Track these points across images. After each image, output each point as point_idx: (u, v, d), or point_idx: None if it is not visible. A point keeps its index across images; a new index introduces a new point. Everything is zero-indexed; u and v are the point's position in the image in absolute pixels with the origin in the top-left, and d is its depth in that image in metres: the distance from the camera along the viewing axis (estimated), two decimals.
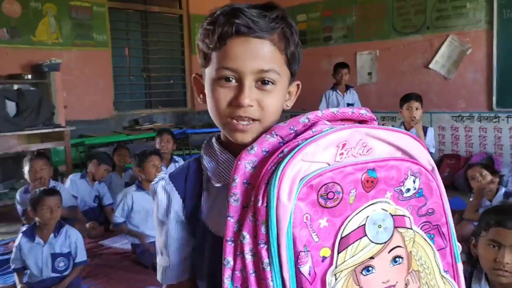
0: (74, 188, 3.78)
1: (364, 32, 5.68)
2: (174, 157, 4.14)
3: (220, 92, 0.77)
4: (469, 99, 4.95)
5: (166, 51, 6.56)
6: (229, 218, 0.65)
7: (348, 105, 4.68)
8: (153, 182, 0.87)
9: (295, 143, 0.64)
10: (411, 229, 0.68)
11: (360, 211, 0.63)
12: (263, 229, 0.60)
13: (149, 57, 6.34)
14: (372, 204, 0.65)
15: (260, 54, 0.75)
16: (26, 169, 3.38)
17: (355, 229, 0.63)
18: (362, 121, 0.73)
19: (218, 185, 0.80)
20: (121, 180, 4.20)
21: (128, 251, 3.26)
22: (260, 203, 0.61)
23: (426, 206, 0.69)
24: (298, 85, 0.87)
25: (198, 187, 0.84)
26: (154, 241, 0.91)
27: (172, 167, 3.93)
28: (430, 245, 0.70)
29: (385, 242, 0.65)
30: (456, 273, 0.72)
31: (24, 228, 2.80)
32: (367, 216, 0.64)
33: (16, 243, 2.65)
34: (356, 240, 0.63)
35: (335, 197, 0.62)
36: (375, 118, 0.74)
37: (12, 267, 2.66)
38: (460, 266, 0.73)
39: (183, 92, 6.67)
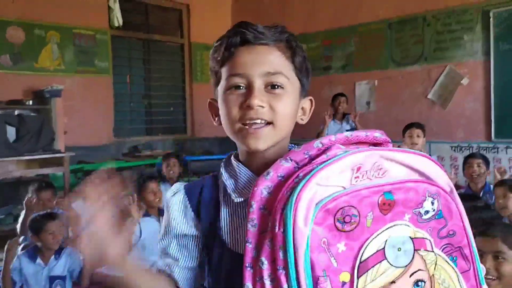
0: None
1: (363, 62, 5.76)
2: (181, 181, 4.11)
3: (230, 99, 0.78)
4: (467, 129, 4.98)
5: (167, 79, 6.62)
6: (247, 244, 0.65)
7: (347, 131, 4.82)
8: (169, 193, 0.87)
9: (310, 168, 0.64)
10: (433, 251, 0.67)
11: (378, 234, 0.63)
12: (281, 255, 0.60)
13: (150, 84, 6.40)
14: (390, 227, 0.64)
15: (267, 58, 0.78)
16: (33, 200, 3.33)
17: (374, 253, 0.62)
18: (376, 144, 0.73)
19: (238, 200, 0.80)
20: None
21: None
22: (277, 229, 0.61)
23: (447, 228, 0.69)
24: (311, 100, 0.88)
25: (214, 203, 0.84)
26: None
27: None
28: (453, 268, 0.68)
29: (406, 266, 0.64)
30: None
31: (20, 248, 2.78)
32: (386, 240, 0.63)
33: (15, 264, 2.61)
34: (376, 264, 0.62)
35: (352, 220, 0.61)
36: (390, 141, 0.74)
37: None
38: None
39: (183, 119, 6.70)
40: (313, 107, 0.88)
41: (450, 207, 0.69)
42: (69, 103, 5.05)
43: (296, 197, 0.60)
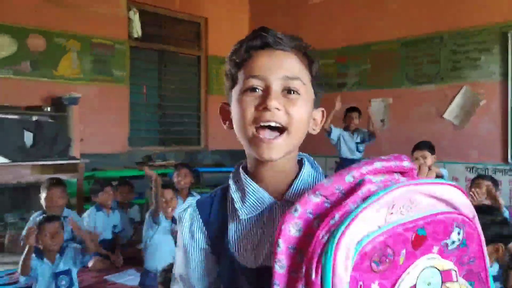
0: (92, 223, 3.82)
1: (377, 80, 5.75)
2: (192, 192, 4.11)
3: (246, 100, 0.77)
4: (483, 150, 4.92)
5: (183, 90, 6.69)
6: (275, 286, 0.62)
7: (357, 144, 4.82)
8: (180, 209, 0.87)
9: (347, 209, 0.61)
10: (457, 281, 0.66)
11: (410, 271, 0.61)
12: None
13: (166, 95, 6.46)
14: (421, 262, 0.62)
15: (286, 63, 0.78)
16: (43, 195, 3.41)
17: None
18: (402, 172, 0.71)
19: (245, 217, 0.79)
20: (126, 216, 4.20)
21: (134, 287, 3.20)
22: (313, 276, 0.58)
23: (468, 255, 0.68)
24: (323, 111, 0.87)
25: (222, 216, 0.83)
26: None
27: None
28: None
29: None
30: None
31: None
32: (418, 276, 0.62)
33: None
34: None
35: (387, 260, 0.59)
36: (415, 168, 0.72)
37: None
38: None
39: (197, 131, 6.74)
40: (324, 119, 0.87)
41: (473, 234, 0.68)
42: (86, 111, 5.12)
43: (336, 244, 0.57)
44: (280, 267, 0.62)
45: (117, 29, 5.67)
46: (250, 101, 0.76)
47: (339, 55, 6.08)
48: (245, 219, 0.80)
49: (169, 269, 2.06)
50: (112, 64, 5.65)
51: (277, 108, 0.75)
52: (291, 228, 0.63)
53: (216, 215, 0.83)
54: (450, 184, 0.68)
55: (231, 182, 0.84)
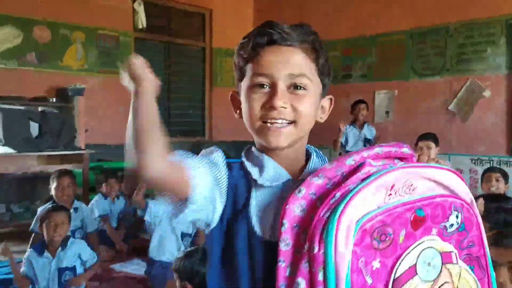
0: (101, 211, 3.89)
1: (383, 72, 5.73)
2: None
3: (254, 98, 0.79)
4: (488, 143, 4.91)
5: (187, 82, 6.69)
6: (280, 263, 0.64)
7: (366, 139, 4.75)
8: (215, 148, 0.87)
9: (346, 188, 0.64)
10: (457, 264, 0.68)
11: (411, 250, 0.64)
12: (320, 276, 0.60)
13: (170, 87, 6.47)
14: (421, 242, 0.65)
15: (292, 60, 0.79)
16: (53, 186, 3.44)
17: (406, 270, 0.63)
18: (402, 158, 0.74)
19: (266, 184, 0.79)
20: (129, 207, 4.24)
21: (140, 276, 3.23)
22: (316, 250, 0.61)
23: (467, 239, 0.70)
24: (331, 99, 0.88)
25: (244, 186, 0.82)
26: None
27: None
28: (474, 278, 0.70)
29: (434, 280, 0.65)
30: None
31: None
32: (418, 255, 0.64)
33: (25, 256, 2.70)
34: (408, 280, 0.63)
35: (387, 238, 0.62)
36: (414, 155, 0.75)
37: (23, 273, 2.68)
38: None
39: (201, 123, 6.75)
40: (332, 106, 0.88)
41: (471, 219, 0.71)
42: (91, 102, 5.14)
43: (337, 220, 0.60)
44: (286, 245, 0.64)
45: (122, 20, 5.67)
46: (258, 99, 0.78)
47: (345, 47, 6.05)
48: (265, 192, 0.79)
49: (182, 257, 2.06)
50: (117, 55, 5.65)
51: (283, 107, 0.77)
52: (295, 209, 0.65)
53: (236, 182, 0.82)
54: (447, 169, 0.71)
55: (244, 159, 0.85)
